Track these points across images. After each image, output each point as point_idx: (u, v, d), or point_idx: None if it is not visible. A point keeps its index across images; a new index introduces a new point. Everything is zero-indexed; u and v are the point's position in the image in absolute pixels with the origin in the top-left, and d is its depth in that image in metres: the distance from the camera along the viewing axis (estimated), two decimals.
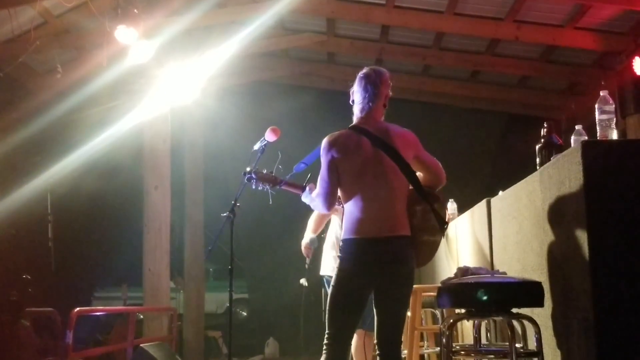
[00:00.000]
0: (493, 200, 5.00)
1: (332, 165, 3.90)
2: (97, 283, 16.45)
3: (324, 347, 3.82)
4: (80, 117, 10.28)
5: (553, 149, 4.08)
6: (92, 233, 14.50)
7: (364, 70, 4.08)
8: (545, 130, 4.19)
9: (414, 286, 5.29)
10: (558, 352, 3.55)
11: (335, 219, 5.82)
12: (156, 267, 8.93)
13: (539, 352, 3.39)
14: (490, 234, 5.00)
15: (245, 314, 17.74)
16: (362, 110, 3.99)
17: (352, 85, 4.10)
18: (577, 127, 3.86)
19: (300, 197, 4.44)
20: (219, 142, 11.74)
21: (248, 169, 4.55)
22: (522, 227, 4.25)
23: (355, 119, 4.03)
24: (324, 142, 3.97)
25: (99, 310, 7.36)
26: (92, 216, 14.31)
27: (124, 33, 7.42)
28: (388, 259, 3.76)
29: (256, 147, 4.83)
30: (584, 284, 3.18)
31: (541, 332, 3.47)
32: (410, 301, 5.20)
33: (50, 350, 6.84)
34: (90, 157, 10.31)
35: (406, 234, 3.83)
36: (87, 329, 12.49)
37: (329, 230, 5.91)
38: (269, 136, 4.79)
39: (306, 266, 5.98)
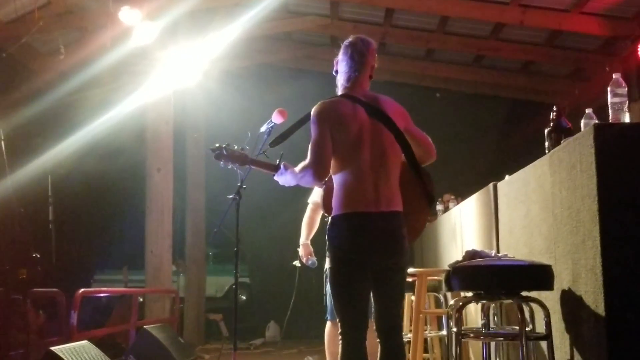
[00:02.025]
0: (500, 184, 4.97)
1: (327, 133, 3.65)
2: (97, 266, 16.43)
3: (340, 338, 3.66)
4: (82, 98, 10.25)
5: (562, 132, 4.05)
6: (93, 215, 14.46)
7: (350, 39, 3.91)
8: (554, 113, 4.15)
9: (419, 270, 5.32)
10: (567, 336, 3.54)
11: None
12: (158, 249, 8.93)
13: (548, 336, 3.37)
14: (497, 218, 4.98)
15: (244, 297, 17.75)
16: (348, 79, 3.81)
17: (337, 55, 3.92)
18: (587, 110, 3.84)
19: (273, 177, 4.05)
20: (221, 125, 11.71)
21: (217, 144, 4.16)
22: (529, 211, 4.23)
23: (341, 89, 3.86)
24: (317, 108, 3.74)
25: (103, 291, 7.36)
26: (93, 198, 14.26)
27: (127, 14, 7.39)
28: (385, 237, 3.60)
29: (263, 129, 4.65)
30: (594, 269, 3.16)
31: (550, 315, 3.47)
32: (416, 285, 5.22)
33: (53, 330, 6.83)
34: (92, 139, 10.27)
35: (400, 210, 3.68)
36: (87, 312, 12.52)
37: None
38: (276, 118, 4.65)
39: (299, 264, 5.96)
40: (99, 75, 9.09)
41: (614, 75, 3.44)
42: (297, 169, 3.81)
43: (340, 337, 3.67)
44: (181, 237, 11.94)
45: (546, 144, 4.13)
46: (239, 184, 5.04)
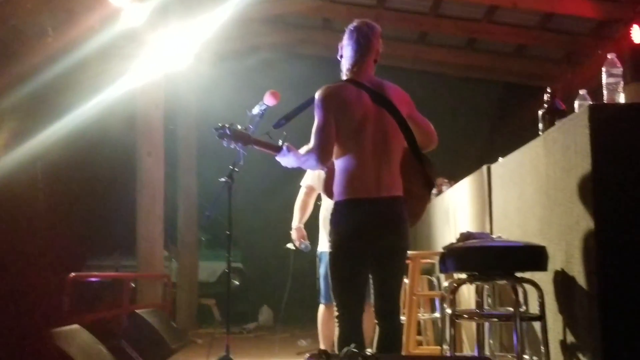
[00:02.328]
0: (493, 166, 4.95)
1: (331, 118, 3.66)
2: (90, 251, 16.37)
3: (336, 321, 3.70)
4: (72, 82, 10.15)
5: (556, 114, 4.03)
6: (85, 201, 14.41)
7: (355, 23, 3.91)
8: (548, 95, 4.13)
9: (413, 253, 5.31)
10: (560, 317, 3.53)
11: (325, 198, 5.74)
12: (150, 234, 8.91)
13: (541, 316, 3.36)
14: (490, 201, 4.96)
15: (238, 283, 17.74)
16: (353, 64, 3.81)
17: (342, 39, 3.92)
18: (581, 91, 3.82)
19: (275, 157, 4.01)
20: (213, 109, 11.64)
21: (220, 124, 4.08)
22: (524, 193, 4.21)
23: (346, 74, 3.85)
24: (321, 93, 3.73)
25: (94, 275, 7.32)
26: (85, 184, 14.21)
27: None
28: (386, 221, 3.64)
29: (255, 111, 4.57)
30: (588, 249, 3.15)
31: (544, 296, 3.45)
32: (409, 268, 5.21)
33: (44, 315, 6.79)
34: (82, 123, 10.20)
35: (401, 195, 3.71)
36: (80, 297, 12.49)
37: (321, 207, 5.83)
38: (269, 100, 4.58)
39: (292, 246, 5.94)
40: (88, 58, 8.98)
41: (608, 56, 3.42)
42: (301, 151, 3.83)
43: (337, 319, 3.70)
44: (173, 222, 11.89)
45: (540, 126, 4.11)
46: (231, 167, 4.99)
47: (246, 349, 8.39)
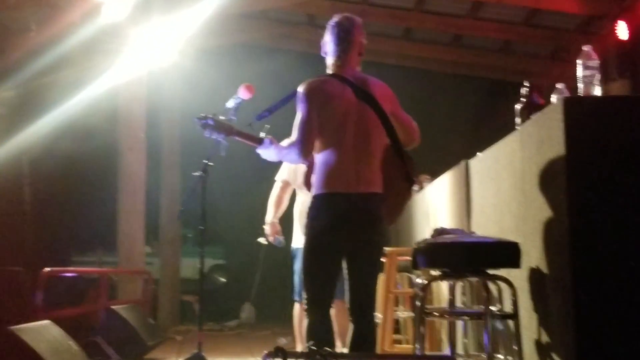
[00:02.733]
0: (472, 161, 4.88)
1: (313, 112, 3.66)
2: (74, 247, 16.24)
3: (305, 313, 3.68)
4: (55, 78, 10.05)
5: (534, 108, 3.95)
6: (69, 196, 14.29)
7: (335, 18, 3.93)
8: (526, 89, 4.07)
9: (389, 249, 5.23)
10: (534, 315, 3.46)
11: (300, 193, 5.67)
12: (131, 229, 8.82)
13: (514, 315, 3.29)
14: (468, 197, 4.88)
15: (224, 280, 17.66)
16: (337, 59, 3.80)
17: (323, 37, 3.93)
18: (558, 85, 3.75)
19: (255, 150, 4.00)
20: (197, 104, 11.51)
21: (203, 114, 4.07)
22: (500, 189, 4.14)
23: (330, 69, 3.84)
24: (304, 87, 3.73)
25: (70, 270, 7.24)
26: (69, 179, 14.10)
27: None
28: (363, 217, 3.62)
29: (229, 104, 4.52)
30: (562, 245, 3.08)
31: (517, 294, 3.38)
32: (386, 265, 5.13)
33: (14, 310, 6.70)
34: (67, 119, 10.10)
35: (380, 192, 3.70)
36: (60, 294, 12.37)
37: (296, 202, 5.75)
38: (243, 93, 4.50)
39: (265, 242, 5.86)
40: (71, 54, 8.87)
41: (584, 48, 3.35)
42: (283, 144, 3.83)
43: (305, 312, 3.68)
44: (156, 218, 11.78)
45: (517, 120, 4.04)
46: (205, 161, 4.92)
47: (224, 347, 8.32)
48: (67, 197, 14.17)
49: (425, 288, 3.39)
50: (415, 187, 7.81)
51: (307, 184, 3.83)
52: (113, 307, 6.63)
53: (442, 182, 5.86)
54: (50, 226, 14.29)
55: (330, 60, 3.85)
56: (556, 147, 3.13)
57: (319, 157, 3.71)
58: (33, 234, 13.25)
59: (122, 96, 8.92)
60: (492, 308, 3.46)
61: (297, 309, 5.66)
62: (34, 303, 5.62)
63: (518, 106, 4.06)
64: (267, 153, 3.92)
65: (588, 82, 3.29)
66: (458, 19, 9.92)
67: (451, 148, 11.10)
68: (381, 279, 5.72)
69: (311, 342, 3.28)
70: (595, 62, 3.29)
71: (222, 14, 9.70)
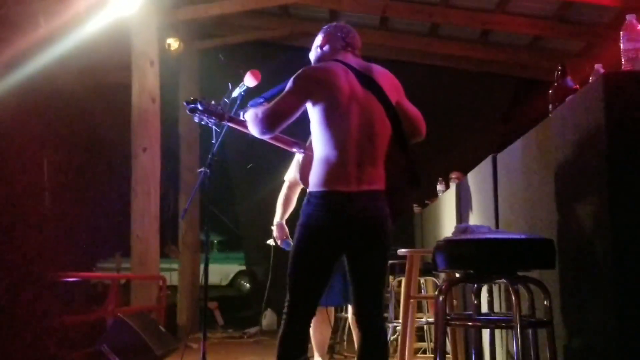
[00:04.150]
0: (499, 155, 4.48)
1: (306, 97, 3.30)
2: (99, 253, 16.06)
3: (283, 318, 3.30)
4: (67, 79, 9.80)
5: (568, 93, 3.55)
6: (87, 201, 14.09)
7: (332, 24, 3.69)
8: (559, 73, 3.66)
9: (410, 250, 4.84)
10: (571, 322, 3.05)
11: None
12: (144, 233, 8.47)
13: (548, 322, 2.87)
14: (496, 193, 4.48)
15: (248, 285, 17.40)
16: (340, 49, 3.53)
17: (316, 40, 3.68)
18: (596, 66, 3.34)
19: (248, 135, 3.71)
20: (215, 102, 11.24)
21: (192, 98, 3.81)
22: (531, 183, 3.73)
23: (330, 56, 3.54)
24: (307, 71, 3.40)
25: (72, 275, 6.89)
26: (87, 182, 13.90)
27: None
28: (365, 217, 3.26)
29: (235, 93, 4.23)
30: (604, 245, 2.67)
31: (552, 298, 2.97)
32: (406, 267, 4.75)
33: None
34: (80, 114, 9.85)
35: (382, 189, 3.34)
36: (83, 299, 12.12)
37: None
38: (249, 80, 4.20)
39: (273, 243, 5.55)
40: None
41: (627, 17, 2.94)
42: (257, 110, 3.47)
43: (284, 316, 3.30)
44: (174, 222, 11.48)
45: (550, 107, 3.63)
46: (210, 156, 4.57)
47: (239, 355, 7.97)
48: (85, 202, 13.95)
49: (446, 292, 2.96)
50: (440, 187, 7.45)
51: (304, 178, 3.49)
52: (120, 315, 6.27)
53: (469, 179, 5.46)
54: (71, 233, 14.12)
55: (329, 53, 3.56)
56: (595, 131, 2.73)
57: (318, 151, 3.35)
58: (54, 239, 13.09)
59: (134, 93, 8.60)
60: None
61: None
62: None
63: (550, 91, 3.65)
64: (248, 114, 3.59)
65: (632, 57, 2.87)
66: (485, 14, 9.49)
67: (480, 147, 10.66)
68: (402, 283, 5.36)
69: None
70: (639, 33, 2.87)
71: (242, 9, 9.45)
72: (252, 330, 10.48)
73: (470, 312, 3.39)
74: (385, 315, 6.65)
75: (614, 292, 2.58)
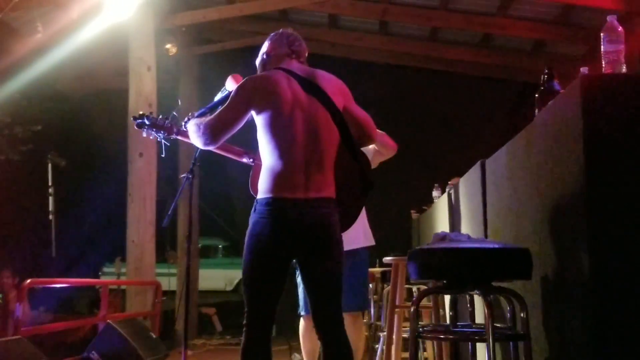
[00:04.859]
0: (488, 161, 4.36)
1: (247, 107, 3.29)
2: (104, 258, 16.05)
3: (244, 329, 3.26)
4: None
5: (553, 96, 3.44)
6: (93, 205, 14.07)
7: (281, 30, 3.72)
8: (545, 76, 3.55)
9: (395, 258, 4.73)
10: (549, 335, 2.94)
11: None
12: (140, 238, 8.40)
13: (524, 335, 2.75)
14: (485, 199, 4.37)
15: None
16: (284, 56, 3.53)
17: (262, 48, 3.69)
18: (582, 69, 3.23)
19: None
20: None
21: (140, 113, 3.83)
22: (516, 190, 3.62)
23: (273, 63, 3.55)
24: (248, 81, 3.39)
25: (56, 281, 6.82)
26: (92, 187, 13.89)
27: None
28: (313, 225, 3.21)
29: (217, 97, 4.19)
30: (581, 253, 2.56)
31: (529, 310, 2.86)
32: (392, 275, 4.64)
33: None
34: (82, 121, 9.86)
35: (332, 196, 3.30)
36: (87, 303, 12.08)
37: None
38: (230, 85, 4.15)
39: None
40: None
41: (608, 18, 2.83)
42: (197, 121, 3.45)
43: (244, 328, 3.26)
44: (173, 228, 11.41)
45: (535, 111, 3.52)
46: (192, 161, 4.50)
47: None
48: (93, 205, 13.93)
49: (417, 303, 2.86)
50: (436, 193, 7.34)
51: (253, 187, 3.47)
52: (110, 321, 6.20)
53: (460, 185, 5.35)
54: (75, 237, 14.09)
55: (275, 61, 3.56)
56: (574, 135, 2.62)
57: (265, 159, 3.30)
58: (58, 245, 13.04)
59: (131, 98, 8.53)
60: (499, 325, 2.94)
61: (303, 323, 5.23)
62: (15, 317, 5.23)
63: (536, 95, 3.55)
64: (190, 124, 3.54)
65: (612, 59, 2.76)
66: (486, 17, 9.38)
67: (481, 153, 10.55)
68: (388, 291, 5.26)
69: None
70: (619, 34, 2.77)
71: (242, 14, 9.38)
72: None
73: (447, 324, 3.28)
74: (378, 323, 6.56)
75: (590, 306, 2.47)
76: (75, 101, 11.95)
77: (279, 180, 3.21)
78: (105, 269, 16.45)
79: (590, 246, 2.48)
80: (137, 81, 8.55)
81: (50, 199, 13.15)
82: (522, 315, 2.78)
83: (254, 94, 3.30)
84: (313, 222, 3.20)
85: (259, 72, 3.59)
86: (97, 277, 15.86)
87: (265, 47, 3.64)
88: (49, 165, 12.71)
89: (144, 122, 3.80)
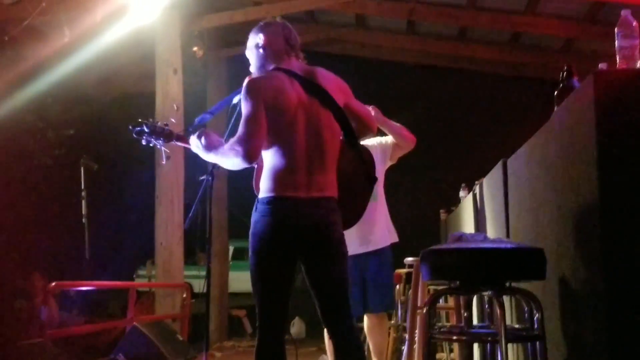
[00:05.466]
0: (509, 160, 4.31)
1: (262, 107, 3.21)
2: (138, 260, 16.18)
3: (257, 332, 3.27)
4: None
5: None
6: (125, 208, 14.19)
7: (278, 20, 3.65)
8: (564, 73, 3.49)
9: (417, 259, 4.69)
10: (566, 336, 2.88)
11: None
12: (168, 241, 8.44)
13: (539, 336, 2.70)
14: (507, 200, 4.31)
15: None
16: (283, 54, 3.46)
17: (255, 38, 3.57)
18: (600, 65, 3.17)
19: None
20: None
21: (140, 120, 3.73)
22: (535, 189, 3.57)
23: (271, 62, 3.47)
24: (252, 82, 3.33)
25: (81, 284, 6.87)
26: (123, 190, 14.00)
27: None
28: (315, 224, 3.21)
29: (235, 100, 4.17)
30: (595, 253, 2.50)
31: (549, 311, 2.81)
32: (413, 276, 4.60)
33: None
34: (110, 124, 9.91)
35: (334, 196, 3.30)
36: (121, 306, 12.17)
37: None
38: None
39: None
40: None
41: (622, 13, 2.77)
42: (228, 145, 3.33)
43: (258, 330, 3.29)
44: (202, 230, 11.43)
45: (555, 109, 3.46)
46: (212, 164, 4.48)
47: None
48: (120, 209, 14.05)
49: (430, 304, 2.82)
50: (462, 194, 7.27)
51: (256, 187, 3.41)
52: (136, 324, 6.23)
53: (484, 184, 5.29)
54: (110, 240, 14.21)
55: (273, 57, 3.48)
56: (587, 131, 2.57)
57: (267, 159, 3.29)
58: (92, 248, 13.15)
59: (158, 100, 8.58)
60: (517, 326, 2.89)
61: (366, 321, 5.27)
62: (40, 319, 5.28)
63: (555, 92, 3.49)
64: (200, 144, 3.51)
65: (627, 55, 2.71)
66: (514, 16, 9.26)
67: (508, 154, 10.45)
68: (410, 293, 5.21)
69: None
70: (634, 29, 2.71)
71: (266, 17, 9.35)
72: None
73: (462, 325, 3.23)
74: (405, 325, 6.51)
75: (604, 306, 2.42)
76: (103, 105, 12.06)
77: (281, 179, 3.21)
78: (140, 272, 16.56)
79: (604, 245, 2.43)
80: (163, 84, 8.59)
81: (83, 202, 13.28)
82: (537, 315, 2.73)
83: (258, 92, 3.26)
84: (315, 222, 3.20)
85: (255, 66, 3.54)
86: (132, 279, 15.98)
87: (260, 38, 3.52)
88: (82, 169, 12.83)
89: (143, 130, 3.71)
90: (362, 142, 5.27)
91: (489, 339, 2.99)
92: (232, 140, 3.26)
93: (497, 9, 9.25)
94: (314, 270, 3.30)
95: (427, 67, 11.03)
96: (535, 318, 2.75)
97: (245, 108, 3.27)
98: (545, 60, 10.51)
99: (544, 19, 9.25)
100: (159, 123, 3.78)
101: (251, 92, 3.27)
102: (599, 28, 9.16)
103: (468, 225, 6.11)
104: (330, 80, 3.42)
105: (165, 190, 8.55)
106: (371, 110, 5.01)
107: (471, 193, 6.15)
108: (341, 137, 3.39)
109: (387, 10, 9.58)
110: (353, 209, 3.45)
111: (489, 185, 4.94)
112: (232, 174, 10.68)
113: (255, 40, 3.55)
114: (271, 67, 3.45)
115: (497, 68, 10.99)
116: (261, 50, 3.50)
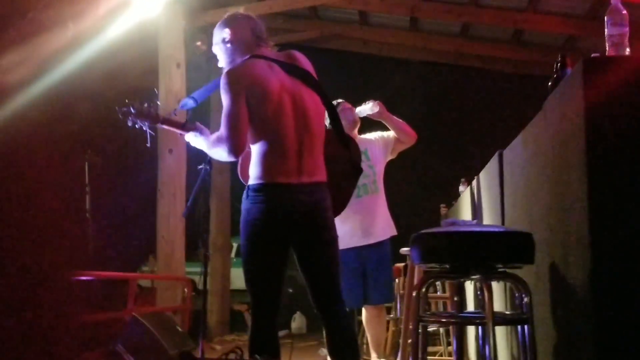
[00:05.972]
0: (505, 151, 4.35)
1: (242, 101, 3.18)
2: (143, 255, 16.23)
3: (251, 319, 3.35)
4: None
5: None
6: (129, 202, 14.23)
7: (244, 13, 3.72)
8: (558, 64, 3.53)
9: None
10: (556, 321, 2.92)
11: None
12: (170, 235, 8.49)
13: (525, 319, 2.74)
14: (502, 190, 4.35)
15: (291, 290, 17.34)
16: (254, 43, 3.43)
17: (221, 33, 3.53)
18: (594, 55, 3.20)
19: (183, 136, 3.72)
20: None
21: (126, 101, 3.75)
22: (529, 178, 3.61)
23: (243, 51, 3.43)
24: (230, 73, 3.29)
25: (91, 274, 6.90)
26: (126, 184, 14.04)
27: None
28: (307, 209, 3.23)
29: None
30: (582, 238, 2.53)
31: (539, 296, 2.85)
32: (408, 266, 4.64)
33: None
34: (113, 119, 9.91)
35: (324, 180, 3.31)
36: (119, 298, 12.22)
37: None
38: None
39: None
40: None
41: (611, 1, 2.81)
42: (213, 137, 3.37)
43: (251, 316, 3.36)
44: (205, 224, 11.48)
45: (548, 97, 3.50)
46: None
47: None
48: (123, 203, 14.09)
49: (420, 288, 2.86)
50: (462, 188, 7.30)
51: (243, 174, 3.46)
52: (135, 314, 6.26)
53: (481, 177, 5.33)
54: (112, 235, 14.26)
55: (242, 49, 3.44)
56: (576, 120, 2.60)
57: (256, 148, 3.28)
58: (95, 242, 13.22)
59: (161, 94, 8.62)
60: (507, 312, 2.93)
61: (364, 313, 5.33)
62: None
63: (549, 83, 3.53)
64: (195, 141, 3.58)
65: (617, 42, 2.75)
66: (516, 13, 9.30)
67: None
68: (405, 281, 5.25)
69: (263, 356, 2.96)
70: (623, 16, 2.75)
71: (268, 12, 9.40)
72: (281, 333, 10.40)
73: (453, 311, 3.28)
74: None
75: (589, 292, 2.45)
76: (107, 100, 12.11)
77: (272, 165, 3.21)
78: (144, 268, 16.60)
79: (591, 233, 2.46)
80: (166, 79, 8.64)
81: (87, 197, 13.34)
82: (525, 299, 2.77)
83: (238, 83, 3.23)
84: (307, 207, 3.22)
85: (225, 62, 3.48)
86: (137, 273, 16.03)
87: (226, 33, 3.47)
88: (86, 164, 12.90)
89: (130, 111, 3.70)
90: (364, 136, 5.37)
91: (477, 321, 3.03)
92: (217, 135, 3.28)
93: (500, 6, 9.29)
94: (307, 255, 3.32)
95: (430, 64, 11.07)
96: (523, 302, 2.77)
97: (224, 102, 3.25)
98: (548, 57, 10.52)
99: (546, 16, 9.28)
100: (146, 105, 3.77)
101: (229, 85, 3.23)
102: (600, 25, 9.16)
103: (466, 217, 6.15)
104: (306, 61, 3.43)
105: (166, 183, 8.60)
106: (375, 105, 5.07)
107: (469, 186, 6.19)
108: (325, 121, 3.41)
109: (390, 7, 9.62)
110: (338, 196, 3.46)
111: (486, 176, 4.98)
112: (233, 168, 10.73)
113: (221, 35, 3.50)
114: (244, 58, 3.40)
115: (499, 65, 11.01)
116: (229, 45, 3.46)
